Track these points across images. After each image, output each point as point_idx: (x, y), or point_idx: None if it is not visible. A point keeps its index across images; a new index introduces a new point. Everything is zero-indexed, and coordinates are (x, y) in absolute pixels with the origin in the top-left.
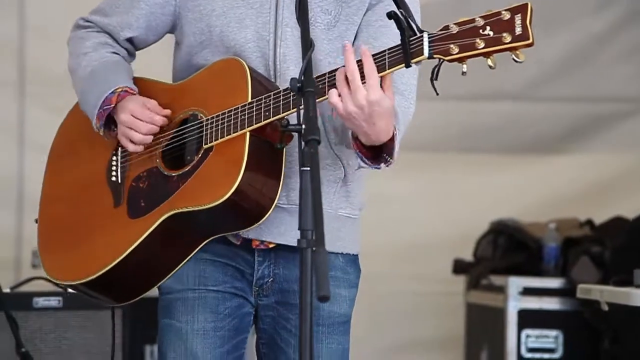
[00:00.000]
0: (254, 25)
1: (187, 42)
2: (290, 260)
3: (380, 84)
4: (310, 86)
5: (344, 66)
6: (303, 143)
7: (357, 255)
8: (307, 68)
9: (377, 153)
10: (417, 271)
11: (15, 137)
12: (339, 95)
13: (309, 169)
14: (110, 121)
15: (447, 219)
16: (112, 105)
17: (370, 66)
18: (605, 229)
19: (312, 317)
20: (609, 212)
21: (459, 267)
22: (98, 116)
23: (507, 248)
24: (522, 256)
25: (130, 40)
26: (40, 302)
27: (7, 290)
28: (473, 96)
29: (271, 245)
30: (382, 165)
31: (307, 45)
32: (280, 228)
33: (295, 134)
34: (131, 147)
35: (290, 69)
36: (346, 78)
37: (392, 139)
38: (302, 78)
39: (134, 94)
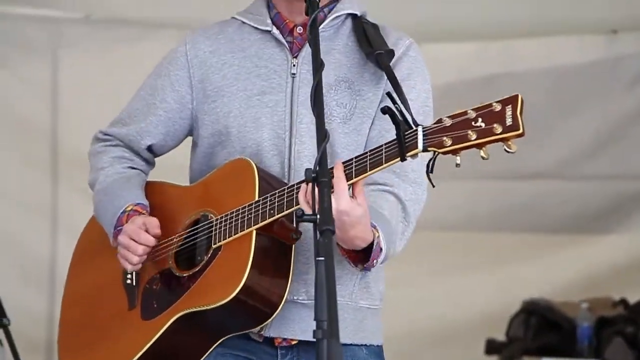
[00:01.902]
0: (270, 124)
1: (205, 144)
2: (314, 355)
3: (353, 191)
4: (325, 176)
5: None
6: (318, 233)
7: (380, 346)
8: (322, 158)
9: (366, 255)
10: (449, 352)
11: (49, 218)
12: (305, 201)
13: (323, 259)
14: None
15: (479, 299)
16: (123, 227)
17: (339, 175)
18: None
19: None
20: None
21: (492, 347)
22: (114, 236)
23: (540, 328)
24: (554, 336)
25: (150, 148)
26: None
27: None
28: (503, 175)
29: (294, 342)
30: (373, 267)
31: (322, 135)
32: (302, 324)
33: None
34: (128, 268)
35: (304, 165)
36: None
37: (373, 244)
38: (317, 168)
39: (142, 213)
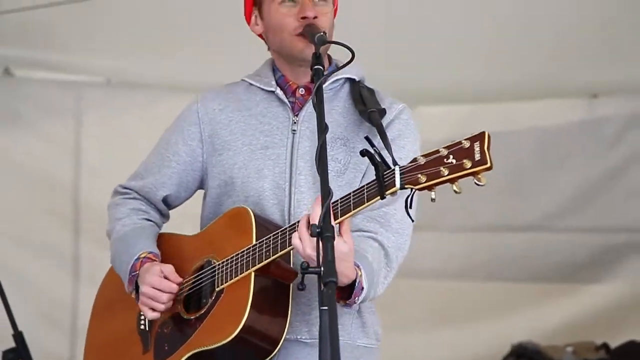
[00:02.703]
0: (271, 175)
1: (213, 194)
2: None
3: (340, 229)
4: (329, 231)
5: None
6: (322, 284)
7: None
8: (325, 214)
9: (348, 293)
10: None
11: (71, 267)
12: (300, 239)
13: (327, 308)
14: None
15: (472, 343)
16: (138, 272)
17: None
18: (620, 352)
19: None
20: (623, 337)
21: None
22: (129, 281)
23: None
24: None
25: (165, 199)
26: None
27: None
28: (494, 228)
29: None
30: (354, 304)
31: (326, 192)
32: None
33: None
34: (151, 315)
35: (303, 212)
36: (309, 224)
37: (355, 282)
38: (322, 224)
39: (154, 260)
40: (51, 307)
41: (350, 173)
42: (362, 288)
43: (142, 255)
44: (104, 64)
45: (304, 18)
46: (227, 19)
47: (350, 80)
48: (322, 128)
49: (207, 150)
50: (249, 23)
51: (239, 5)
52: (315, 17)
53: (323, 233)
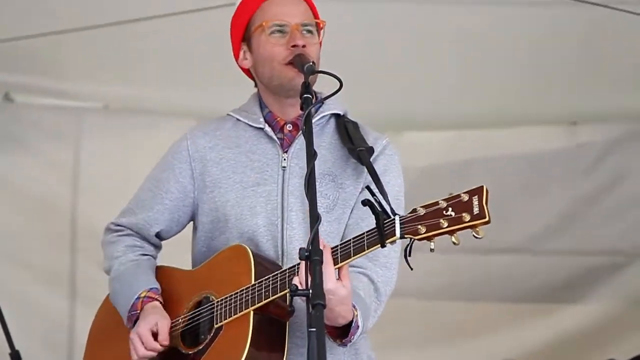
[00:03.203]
0: (264, 212)
1: (205, 229)
2: None
3: (339, 274)
4: (317, 255)
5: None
6: (310, 306)
7: None
8: (314, 239)
9: (344, 331)
10: None
11: (68, 288)
12: (300, 283)
13: (314, 330)
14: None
15: None
16: (138, 312)
17: (327, 258)
18: None
19: None
20: (601, 356)
21: None
22: (129, 319)
23: None
24: None
25: (158, 234)
26: None
27: None
28: (478, 249)
29: None
30: (349, 342)
31: (315, 218)
32: None
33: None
34: (133, 356)
35: (295, 248)
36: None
37: (352, 323)
38: (310, 248)
39: (155, 299)
40: (48, 326)
41: (339, 209)
42: (358, 326)
43: (142, 295)
44: (103, 90)
45: (294, 47)
46: (225, 47)
47: (335, 116)
48: (311, 154)
49: (199, 186)
50: (237, 59)
51: None
52: (304, 46)
53: (311, 257)
